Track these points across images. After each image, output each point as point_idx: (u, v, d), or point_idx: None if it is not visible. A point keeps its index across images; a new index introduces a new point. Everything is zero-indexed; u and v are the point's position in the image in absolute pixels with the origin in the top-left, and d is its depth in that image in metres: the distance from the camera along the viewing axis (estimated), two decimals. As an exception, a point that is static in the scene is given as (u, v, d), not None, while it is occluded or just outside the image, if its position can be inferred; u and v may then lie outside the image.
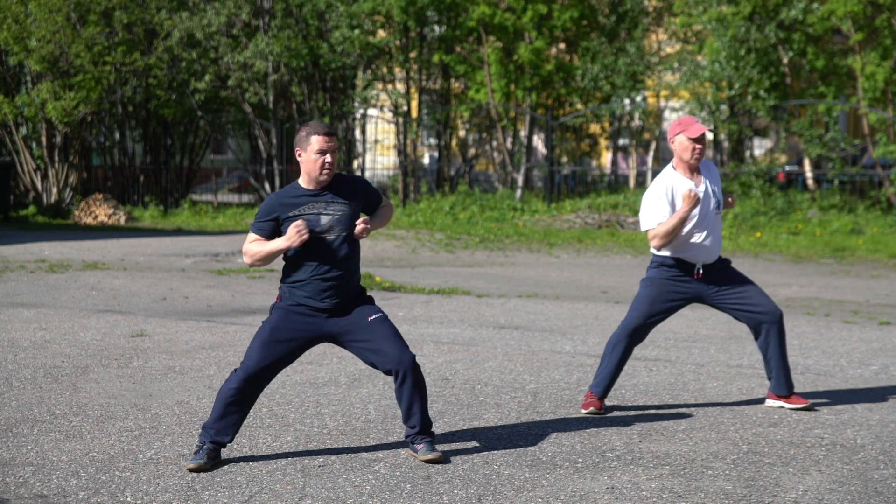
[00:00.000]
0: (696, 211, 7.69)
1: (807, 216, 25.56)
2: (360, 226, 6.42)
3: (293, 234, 6.22)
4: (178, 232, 25.68)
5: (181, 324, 11.70)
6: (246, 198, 34.26)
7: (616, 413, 7.88)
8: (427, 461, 6.49)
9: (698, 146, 7.67)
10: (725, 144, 30.76)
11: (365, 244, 22.56)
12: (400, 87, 33.97)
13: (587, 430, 7.36)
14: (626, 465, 6.54)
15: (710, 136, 7.94)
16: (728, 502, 5.85)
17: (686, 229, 7.67)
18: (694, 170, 7.79)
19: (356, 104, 33.09)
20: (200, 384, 8.66)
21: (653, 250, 7.82)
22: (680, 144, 7.70)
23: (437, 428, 7.38)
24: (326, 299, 6.42)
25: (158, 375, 9.00)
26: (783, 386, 7.96)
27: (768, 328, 7.87)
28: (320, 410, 7.84)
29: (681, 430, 7.41)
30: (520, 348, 10.50)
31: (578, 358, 10.02)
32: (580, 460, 6.65)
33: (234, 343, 10.50)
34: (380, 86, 33.19)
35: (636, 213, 26.98)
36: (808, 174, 29.90)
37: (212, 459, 6.35)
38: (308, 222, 6.31)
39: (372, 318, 6.48)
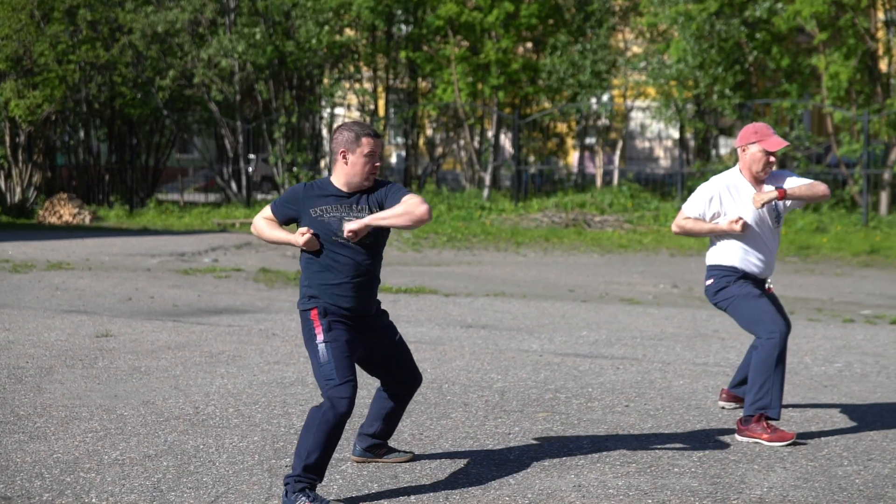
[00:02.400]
0: (756, 224, 7.35)
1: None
2: (350, 225, 5.91)
3: (298, 239, 5.89)
4: (144, 231, 25.56)
5: (147, 324, 11.64)
6: (212, 197, 34.13)
7: (583, 411, 7.90)
8: (400, 462, 6.50)
9: (773, 160, 7.35)
10: (692, 143, 30.89)
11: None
12: (367, 85, 33.94)
13: (554, 429, 7.36)
14: (592, 463, 6.56)
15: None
16: (694, 499, 5.87)
17: (747, 245, 7.35)
18: (760, 181, 7.43)
19: (323, 103, 33.03)
20: (166, 384, 8.62)
21: (714, 261, 7.45)
22: (752, 155, 7.34)
23: (405, 426, 7.37)
24: (361, 302, 5.99)
25: (124, 376, 8.96)
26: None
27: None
28: (287, 410, 7.81)
29: (647, 428, 7.43)
30: (487, 347, 10.50)
31: (546, 356, 10.03)
32: (547, 459, 6.65)
33: (201, 343, 10.46)
34: (347, 85, 33.15)
35: (603, 211, 27.07)
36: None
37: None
38: (329, 225, 5.91)
39: (398, 337, 6.28)
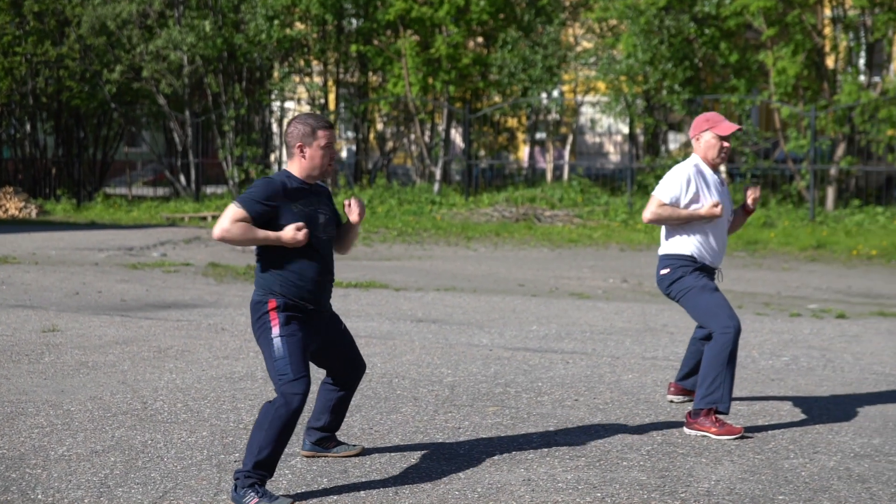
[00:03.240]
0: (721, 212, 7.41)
1: (720, 209, 25.85)
2: (355, 209, 6.07)
3: (298, 236, 5.77)
4: (92, 225, 25.35)
5: (94, 318, 11.55)
6: (161, 191, 33.91)
7: (532, 406, 7.92)
8: (350, 455, 6.50)
9: (727, 144, 7.40)
10: (641, 138, 31.05)
11: (282, 237, 22.45)
12: (317, 79, 33.83)
13: (504, 423, 7.38)
14: (542, 457, 6.58)
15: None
16: (642, 492, 5.91)
17: (707, 233, 7.39)
18: (716, 168, 7.50)
19: (273, 97, 32.89)
20: (114, 379, 8.55)
21: (671, 251, 7.45)
22: (707, 142, 7.39)
23: (355, 421, 7.36)
24: (322, 300, 5.99)
25: (71, 371, 8.88)
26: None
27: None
28: (236, 405, 7.78)
29: (596, 422, 7.46)
30: (437, 341, 10.51)
31: (496, 351, 10.05)
32: (497, 453, 6.66)
33: (149, 338, 10.39)
34: (297, 78, 33.02)
35: (553, 206, 27.14)
36: (722, 168, 30.25)
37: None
38: (316, 219, 5.90)
39: (343, 326, 6.26)
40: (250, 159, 31.34)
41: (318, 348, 6.13)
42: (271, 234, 5.83)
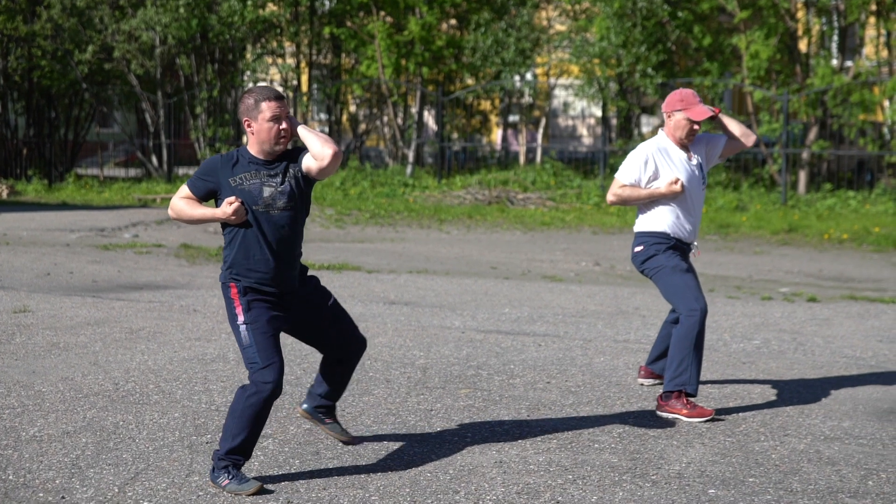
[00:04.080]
0: (687, 187, 7.40)
1: (693, 193, 25.91)
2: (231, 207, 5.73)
3: (226, 210, 5.68)
4: (63, 206, 25.21)
5: (66, 299, 11.49)
6: (133, 172, 33.72)
7: (505, 388, 7.93)
8: (337, 438, 6.40)
9: (696, 128, 7.42)
10: (614, 122, 31.08)
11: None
12: (290, 61, 33.70)
13: (476, 405, 7.39)
14: (514, 439, 6.59)
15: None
16: (614, 474, 5.93)
17: (677, 209, 7.40)
18: (685, 147, 7.51)
19: (245, 78, 32.74)
20: (85, 360, 8.52)
21: (645, 228, 7.47)
22: (677, 122, 7.42)
23: (327, 404, 7.36)
24: (284, 280, 5.82)
25: (42, 352, 8.84)
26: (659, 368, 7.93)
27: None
28: (208, 387, 7.77)
29: (568, 405, 7.48)
30: (409, 324, 10.51)
31: (468, 333, 10.06)
32: (469, 435, 6.68)
33: (121, 319, 10.35)
34: (269, 60, 32.89)
35: (526, 189, 27.16)
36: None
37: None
38: (250, 193, 5.71)
39: (331, 301, 6.08)
40: (222, 140, 31.20)
41: (296, 326, 6.01)
42: (208, 210, 5.83)
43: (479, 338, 9.82)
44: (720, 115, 7.55)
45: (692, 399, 7.23)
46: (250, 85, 33.42)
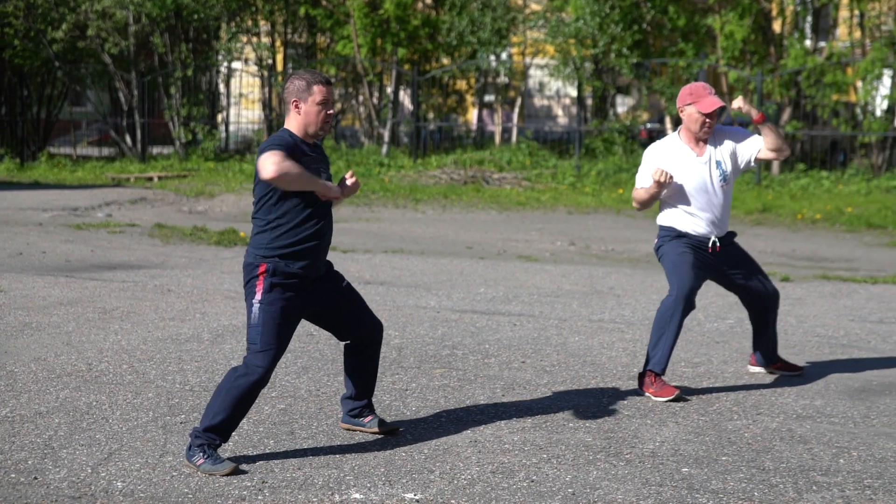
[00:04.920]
0: (695, 184, 7.38)
1: (668, 173, 25.97)
2: (351, 180, 5.93)
3: (333, 190, 5.71)
4: (36, 185, 25.07)
5: (38, 279, 11.44)
6: (106, 151, 33.55)
7: (480, 368, 7.94)
8: (384, 432, 6.23)
9: (709, 120, 7.36)
10: (590, 102, 31.09)
11: (229, 199, 22.34)
12: (265, 40, 33.56)
13: (451, 385, 7.40)
14: (489, 418, 6.61)
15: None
16: (588, 454, 5.95)
17: (682, 201, 7.39)
18: (700, 140, 7.46)
19: (220, 57, 32.59)
20: (58, 341, 8.48)
21: (664, 223, 7.48)
22: (689, 116, 7.38)
23: (302, 383, 7.36)
24: (319, 265, 5.85)
25: (14, 332, 8.80)
26: (768, 358, 7.89)
27: (767, 307, 7.70)
28: (182, 367, 7.75)
29: (543, 384, 7.50)
30: (385, 303, 10.50)
31: (443, 313, 10.07)
32: (444, 414, 6.69)
33: (94, 299, 10.31)
34: (244, 38, 32.74)
35: (501, 169, 27.16)
36: (670, 131, 30.37)
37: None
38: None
39: (345, 283, 6.04)
40: (197, 119, 31.07)
41: (317, 314, 5.97)
42: (319, 181, 5.70)
43: (454, 317, 9.83)
44: (762, 124, 7.45)
45: (662, 378, 7.25)
46: (225, 64, 33.27)
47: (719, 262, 7.51)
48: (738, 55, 27.76)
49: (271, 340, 5.65)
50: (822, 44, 28.89)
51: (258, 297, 5.69)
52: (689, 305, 7.24)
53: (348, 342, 6.16)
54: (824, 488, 5.48)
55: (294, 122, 5.80)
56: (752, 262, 7.70)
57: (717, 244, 7.46)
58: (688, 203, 7.43)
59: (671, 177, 7.29)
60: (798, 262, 15.17)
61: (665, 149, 7.51)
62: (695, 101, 7.37)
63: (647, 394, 7.17)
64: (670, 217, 7.50)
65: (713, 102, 7.33)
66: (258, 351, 5.65)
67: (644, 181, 7.45)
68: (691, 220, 7.44)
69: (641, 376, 7.25)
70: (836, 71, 26.17)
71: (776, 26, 29.00)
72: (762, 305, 7.70)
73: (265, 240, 5.73)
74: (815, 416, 6.84)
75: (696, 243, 7.42)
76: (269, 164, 5.50)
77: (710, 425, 6.57)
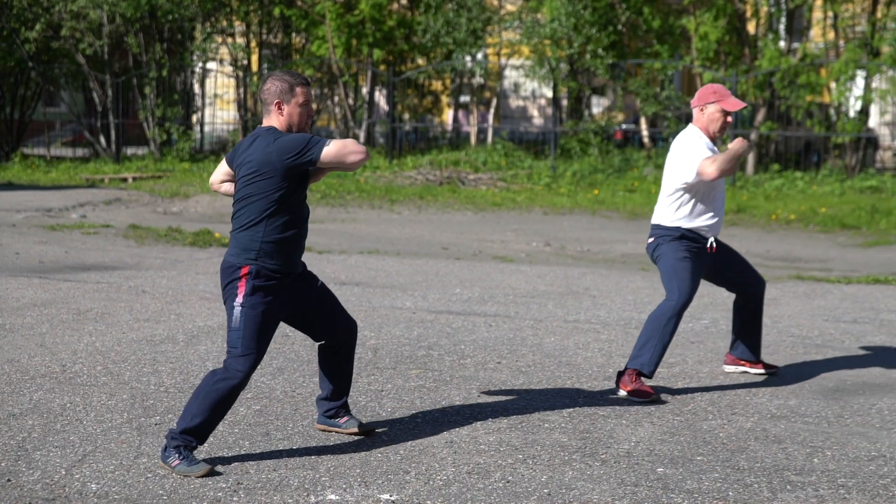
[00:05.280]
0: (720, 183, 7.41)
1: (643, 174, 26.08)
2: None
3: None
4: (9, 186, 24.93)
5: (11, 280, 11.37)
6: (80, 151, 33.39)
7: (455, 368, 7.94)
8: (361, 433, 6.21)
9: (730, 120, 7.38)
10: (565, 102, 31.14)
11: (204, 200, 22.27)
12: (240, 40, 33.49)
13: (427, 386, 7.40)
14: (465, 419, 6.61)
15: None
16: (563, 454, 5.96)
17: (710, 202, 7.38)
18: (715, 142, 7.46)
19: (195, 57, 32.50)
20: (32, 342, 8.44)
21: (666, 222, 7.42)
22: (710, 115, 7.36)
23: (277, 384, 7.34)
24: (299, 261, 5.87)
25: (-12, 334, 8.75)
26: (754, 353, 7.92)
27: (759, 299, 7.76)
28: (157, 368, 7.72)
29: (519, 385, 7.51)
30: (360, 304, 10.49)
31: (419, 314, 10.06)
32: (420, 415, 6.69)
33: (68, 300, 10.26)
34: (219, 39, 32.66)
35: (477, 169, 27.16)
36: (644, 132, 30.48)
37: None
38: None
39: (320, 283, 6.04)
40: (172, 120, 30.97)
41: (293, 315, 5.96)
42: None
43: (429, 318, 9.83)
44: None
45: (645, 380, 7.27)
46: (200, 64, 33.18)
47: (713, 260, 7.53)
48: (713, 56, 27.86)
49: (252, 345, 5.63)
50: (796, 45, 29.01)
51: (240, 299, 5.66)
52: (683, 315, 7.30)
53: (323, 343, 6.15)
54: (798, 488, 5.51)
55: (276, 123, 5.80)
56: (737, 254, 7.77)
57: (714, 245, 7.49)
58: (712, 202, 7.42)
59: (751, 145, 7.28)
60: (772, 262, 15.23)
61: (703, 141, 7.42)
62: (719, 100, 7.35)
63: (623, 392, 7.18)
64: (675, 216, 7.40)
65: (737, 103, 7.36)
66: (239, 355, 5.62)
67: (705, 153, 7.26)
68: (700, 219, 7.40)
69: (621, 374, 7.26)
70: (809, 72, 26.28)
71: (750, 27, 29.11)
72: (755, 295, 7.75)
73: (248, 241, 5.70)
74: (790, 415, 6.86)
75: (695, 245, 7.42)
76: (355, 153, 5.60)
77: (686, 425, 6.59)
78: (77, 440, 6.04)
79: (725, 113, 7.37)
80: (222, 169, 6.04)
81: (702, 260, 7.45)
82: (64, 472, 5.53)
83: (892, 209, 21.05)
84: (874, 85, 26.56)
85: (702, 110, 7.44)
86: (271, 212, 5.67)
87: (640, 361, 7.20)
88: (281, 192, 5.66)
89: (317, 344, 6.28)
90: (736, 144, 7.29)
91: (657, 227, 7.51)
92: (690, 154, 7.32)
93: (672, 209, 7.43)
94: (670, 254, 7.37)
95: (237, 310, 5.65)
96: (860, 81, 26.89)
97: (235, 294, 5.67)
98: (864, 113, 26.88)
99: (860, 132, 26.34)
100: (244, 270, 5.67)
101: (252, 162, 5.68)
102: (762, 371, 7.94)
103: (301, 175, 5.71)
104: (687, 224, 7.39)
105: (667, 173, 7.51)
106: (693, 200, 7.39)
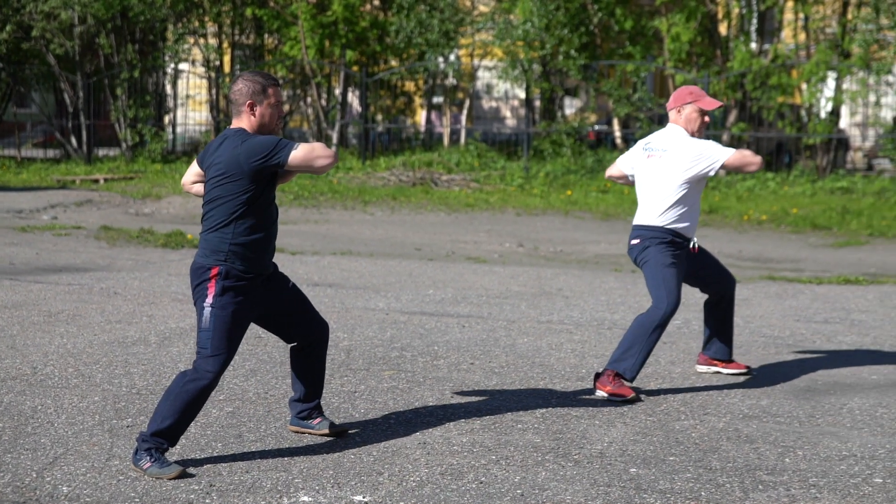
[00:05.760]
0: (703, 183, 7.45)
1: (615, 175, 26.08)
2: None
3: None
4: (-20, 188, 24.78)
5: (-18, 283, 11.31)
6: (51, 153, 33.21)
7: (428, 369, 7.94)
8: (334, 434, 6.21)
9: (707, 119, 7.42)
10: (538, 103, 31.18)
11: (176, 201, 22.19)
12: (212, 41, 33.38)
13: (400, 387, 7.39)
14: (438, 420, 6.61)
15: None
16: (536, 454, 5.96)
17: (694, 203, 7.42)
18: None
19: (167, 58, 32.38)
20: (2, 344, 8.39)
21: (656, 223, 7.41)
22: (688, 115, 7.40)
23: (250, 385, 7.32)
24: (270, 261, 5.86)
25: (-42, 336, 8.69)
26: (727, 352, 7.95)
27: (730, 297, 7.79)
28: (129, 370, 7.69)
29: (492, 386, 7.51)
30: (334, 305, 10.48)
31: (392, 315, 10.06)
32: (393, 416, 6.68)
33: (39, 302, 10.20)
34: (191, 40, 32.54)
35: (450, 170, 27.17)
36: (617, 133, 30.56)
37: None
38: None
39: (291, 284, 6.04)
40: (143, 121, 30.85)
41: (264, 316, 5.94)
42: None
43: (402, 319, 9.82)
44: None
45: (619, 378, 7.27)
46: (172, 65, 33.05)
47: (693, 263, 7.56)
48: (685, 57, 27.96)
49: (222, 345, 5.62)
50: (767, 46, 29.15)
51: (210, 300, 5.64)
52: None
53: (294, 344, 6.15)
54: (770, 487, 5.53)
55: (247, 124, 5.77)
56: (713, 257, 7.80)
57: (696, 245, 7.53)
58: (695, 203, 7.46)
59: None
60: (744, 262, 15.29)
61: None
62: (695, 100, 7.41)
63: (601, 392, 7.18)
64: (665, 218, 7.40)
65: (713, 102, 7.40)
66: (208, 356, 5.61)
67: (720, 147, 7.34)
68: (685, 222, 7.42)
69: (598, 375, 7.27)
70: (781, 73, 26.41)
71: (722, 29, 29.24)
72: (728, 297, 7.79)
73: (218, 243, 5.67)
74: (762, 415, 6.89)
75: (680, 248, 7.43)
76: (325, 157, 5.64)
77: (658, 426, 6.61)
78: (48, 443, 6.01)
79: (703, 112, 7.42)
80: (193, 170, 6.02)
81: (685, 264, 7.48)
82: (35, 475, 5.50)
83: (863, 210, 21.19)
84: (845, 86, 26.72)
85: (679, 111, 7.48)
86: (240, 213, 5.65)
87: (623, 366, 7.19)
88: (249, 195, 5.64)
89: (289, 346, 6.26)
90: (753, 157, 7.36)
91: (644, 227, 7.49)
92: (703, 149, 7.33)
93: (666, 210, 7.41)
94: (658, 259, 7.35)
95: (207, 310, 5.63)
96: (831, 83, 27.05)
97: (205, 295, 5.66)
98: (834, 114, 27.03)
99: (831, 133, 26.48)
100: (214, 272, 5.65)
101: (220, 164, 5.66)
102: (735, 371, 7.97)
103: (269, 177, 5.70)
104: (677, 225, 7.41)
105: (662, 173, 7.44)
106: (689, 200, 7.42)
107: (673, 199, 7.39)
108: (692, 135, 7.45)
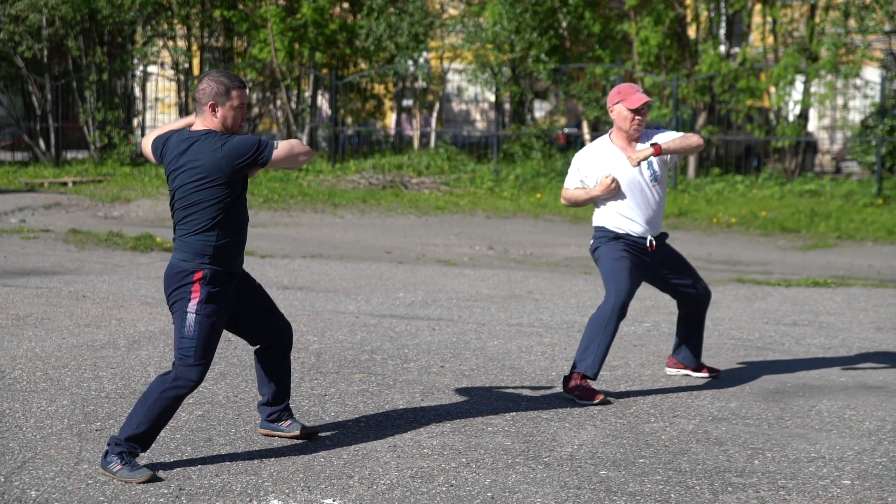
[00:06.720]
0: (629, 184, 7.44)
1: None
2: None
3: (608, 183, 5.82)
4: (-53, 190, 24.61)
5: (-51, 286, 11.23)
6: (19, 155, 33.02)
7: (399, 372, 7.94)
8: (304, 436, 6.21)
9: (638, 117, 7.42)
10: (507, 106, 31.23)
11: (146, 204, 22.10)
12: (181, 43, 33.28)
13: (370, 390, 7.39)
14: (408, 423, 6.61)
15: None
16: (507, 457, 5.97)
17: (616, 201, 7.45)
18: (633, 139, 7.50)
19: (136, 61, 32.25)
20: (-30, 349, 8.34)
21: (601, 224, 7.51)
22: (619, 114, 7.44)
23: (220, 389, 7.30)
24: (241, 262, 5.85)
25: (-75, 340, 8.63)
26: (695, 361, 7.97)
27: (702, 310, 7.81)
28: (98, 373, 7.65)
29: (462, 389, 7.52)
30: (303, 308, 10.46)
31: (362, 318, 10.05)
32: (363, 419, 6.68)
33: (7, 305, 10.14)
34: (160, 42, 32.43)
35: (420, 173, 27.19)
36: (587, 136, 30.63)
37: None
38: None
39: (256, 283, 6.03)
40: (112, 124, 30.72)
41: (232, 316, 5.90)
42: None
43: (373, 322, 9.82)
44: (662, 153, 7.46)
45: (589, 381, 7.30)
46: (141, 68, 32.92)
47: (655, 263, 7.58)
48: (654, 61, 28.06)
49: (203, 354, 5.60)
50: (736, 50, 29.30)
51: (194, 306, 5.59)
52: (623, 314, 7.33)
53: (259, 346, 6.14)
54: (739, 489, 5.56)
55: (210, 124, 5.73)
56: (686, 263, 7.79)
57: (654, 243, 7.54)
58: (624, 203, 7.49)
59: (618, 185, 7.41)
60: (713, 265, 15.36)
61: (596, 151, 7.58)
62: (623, 99, 7.45)
63: (571, 395, 7.21)
64: (606, 218, 7.53)
65: (639, 98, 7.43)
66: (191, 364, 5.57)
67: (571, 182, 7.60)
68: (627, 220, 7.48)
69: (567, 379, 7.29)
70: (749, 76, 26.55)
71: (691, 32, 29.36)
72: (698, 306, 7.80)
73: (202, 241, 5.63)
74: (731, 417, 6.92)
75: (633, 244, 7.48)
76: (301, 151, 5.72)
77: (628, 428, 6.63)
78: (16, 447, 5.97)
79: (630, 111, 7.45)
80: (148, 148, 5.97)
81: (642, 260, 7.50)
82: (3, 479, 5.47)
83: (831, 212, 21.32)
84: (813, 89, 26.87)
85: (611, 111, 7.57)
86: (223, 216, 5.64)
87: (584, 365, 7.24)
88: (231, 197, 5.65)
89: (253, 349, 6.25)
90: (601, 187, 7.45)
91: (595, 227, 7.67)
92: (571, 167, 7.68)
93: (597, 211, 7.63)
94: (607, 254, 7.47)
95: (191, 317, 5.58)
96: (799, 86, 27.20)
97: (188, 299, 5.61)
98: (803, 117, 27.18)
99: (799, 136, 26.63)
100: (198, 275, 5.61)
101: (199, 168, 5.59)
102: (704, 375, 8.01)
103: (245, 176, 5.70)
104: (610, 225, 7.50)
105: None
106: (605, 202, 7.53)
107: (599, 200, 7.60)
108: (630, 133, 7.48)
